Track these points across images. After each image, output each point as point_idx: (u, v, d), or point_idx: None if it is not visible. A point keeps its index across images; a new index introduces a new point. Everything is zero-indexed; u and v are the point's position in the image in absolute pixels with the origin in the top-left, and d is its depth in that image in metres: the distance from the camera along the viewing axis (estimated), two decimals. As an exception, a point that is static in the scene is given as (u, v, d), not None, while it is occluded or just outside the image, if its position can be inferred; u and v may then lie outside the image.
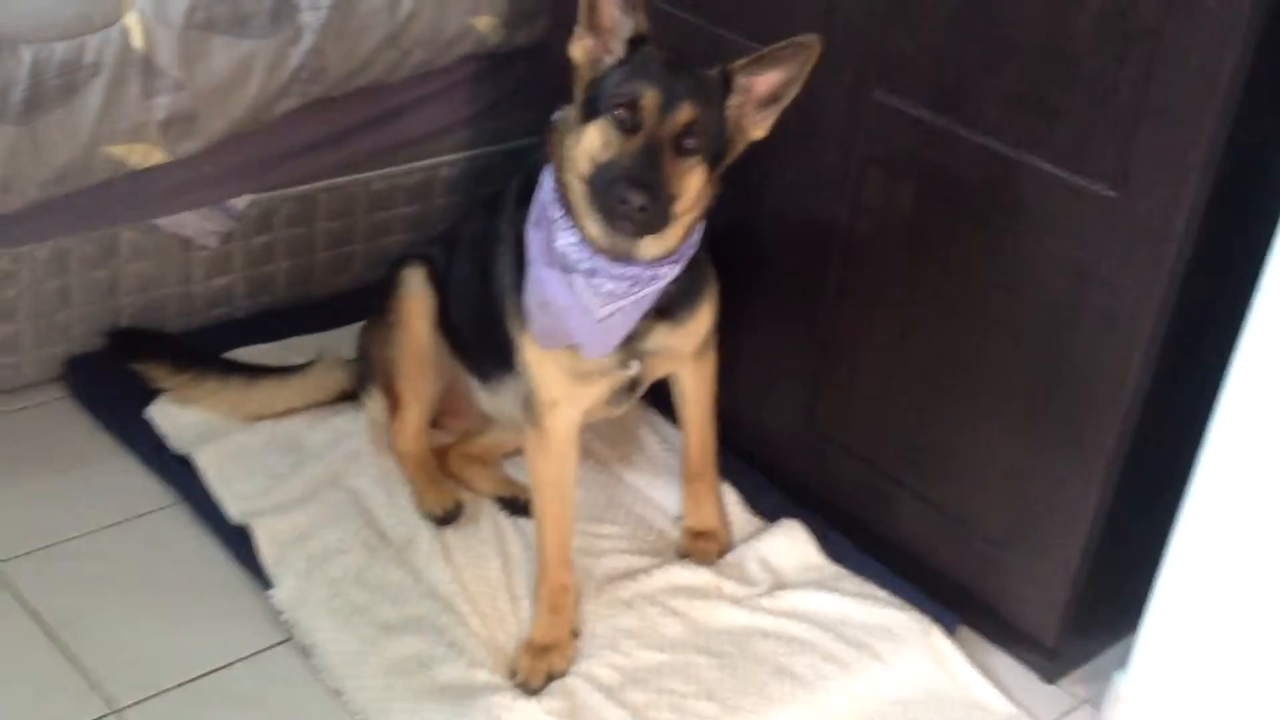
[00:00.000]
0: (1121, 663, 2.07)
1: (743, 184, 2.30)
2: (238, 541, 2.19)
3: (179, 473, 2.32)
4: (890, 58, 2.10)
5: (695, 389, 2.24)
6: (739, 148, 1.95)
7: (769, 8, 2.25)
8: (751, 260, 2.36)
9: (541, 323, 1.99)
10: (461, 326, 2.30)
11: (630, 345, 2.02)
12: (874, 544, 2.31)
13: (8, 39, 2.26)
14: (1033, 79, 1.94)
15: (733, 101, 1.90)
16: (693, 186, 1.87)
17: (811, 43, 1.87)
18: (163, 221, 2.56)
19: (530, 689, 1.99)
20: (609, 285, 1.91)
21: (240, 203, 2.65)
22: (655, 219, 1.83)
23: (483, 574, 2.18)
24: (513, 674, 2.01)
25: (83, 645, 2.01)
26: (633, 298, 1.94)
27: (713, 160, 1.89)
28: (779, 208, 2.31)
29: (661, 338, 2.05)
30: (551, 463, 2.08)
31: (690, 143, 1.85)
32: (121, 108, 2.39)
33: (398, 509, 2.28)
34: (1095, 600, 2.11)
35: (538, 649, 2.03)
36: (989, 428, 2.12)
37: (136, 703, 1.94)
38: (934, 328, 2.16)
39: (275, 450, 2.38)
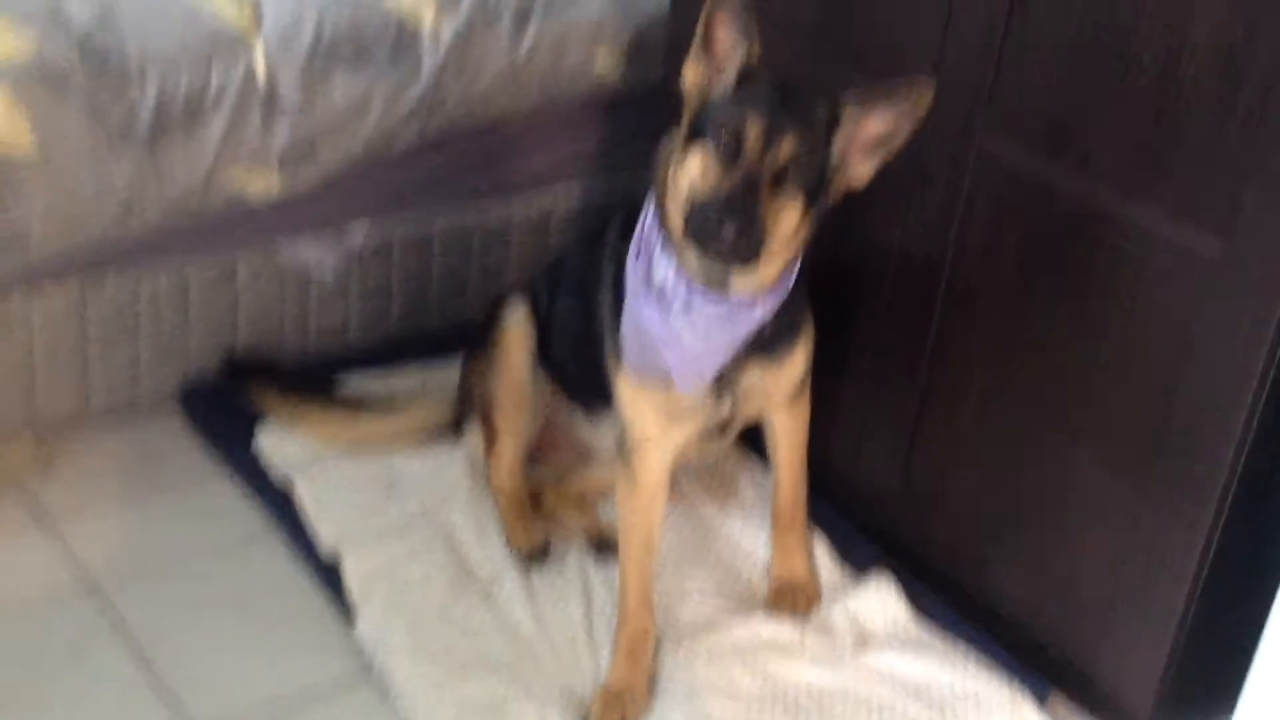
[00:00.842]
0: (1221, 743, 1.96)
1: (844, 224, 2.27)
2: (329, 573, 2.22)
3: (280, 501, 2.37)
4: (998, 100, 2.04)
5: (788, 434, 2.20)
6: (839, 189, 1.91)
7: (878, 49, 2.21)
8: (851, 303, 2.31)
9: (635, 353, 1.98)
10: (564, 359, 2.30)
11: (723, 383, 2.00)
12: (967, 603, 2.23)
13: (135, 67, 2.35)
14: (1141, 124, 1.86)
15: (839, 138, 1.87)
16: (788, 222, 1.84)
17: (925, 85, 1.83)
18: (281, 252, 2.62)
19: None
20: (703, 318, 1.90)
21: (357, 236, 2.69)
22: (748, 251, 1.81)
23: (564, 616, 2.17)
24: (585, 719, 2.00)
25: (168, 667, 2.06)
26: (725, 332, 1.92)
27: (811, 197, 1.86)
28: (881, 251, 2.26)
29: (756, 376, 2.02)
30: (640, 503, 2.07)
31: (790, 177, 1.83)
32: (242, 136, 2.45)
33: (487, 545, 2.29)
34: (1193, 675, 2.01)
35: (613, 696, 2.01)
36: (1090, 487, 2.04)
37: (218, 726, 1.98)
38: (1035, 382, 2.08)
39: (372, 481, 2.41)
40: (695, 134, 1.86)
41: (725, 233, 1.77)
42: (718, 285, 1.88)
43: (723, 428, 2.11)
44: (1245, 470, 1.86)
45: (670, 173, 1.88)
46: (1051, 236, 2.02)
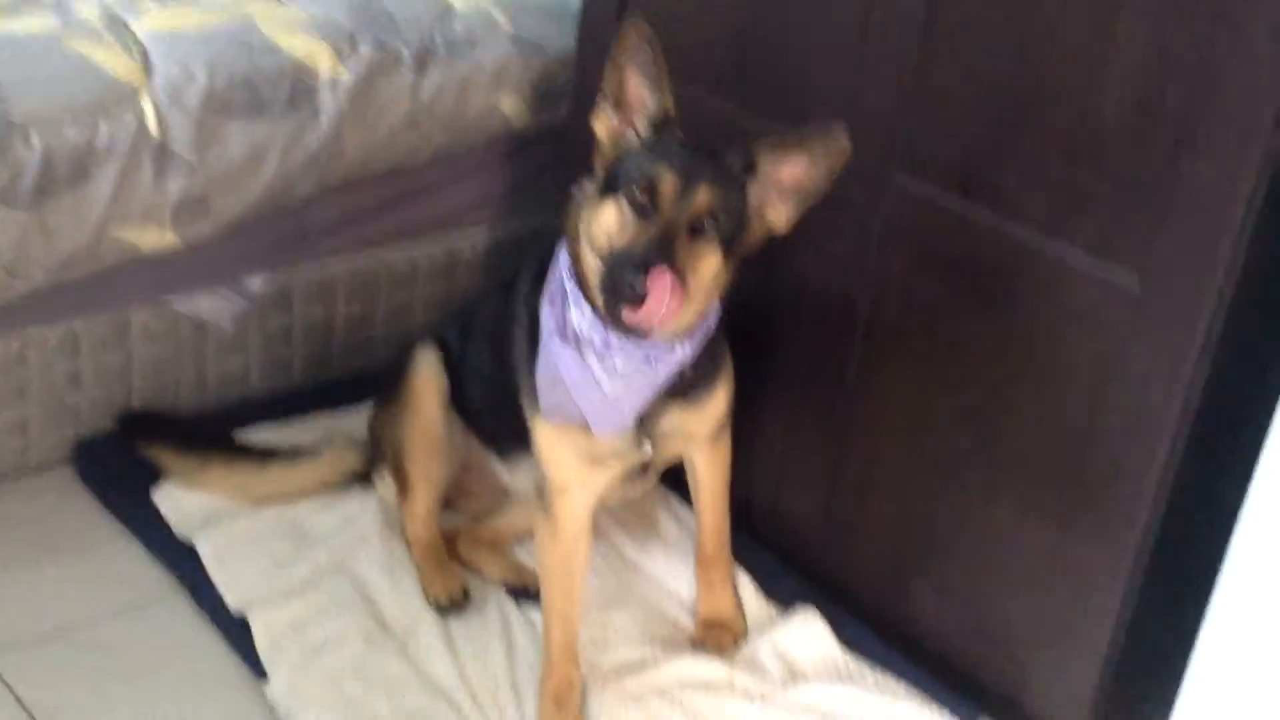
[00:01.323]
0: (1155, 761, 1.96)
1: (761, 264, 2.24)
2: (237, 632, 2.14)
3: (182, 560, 2.28)
4: (912, 140, 2.05)
5: (709, 474, 2.18)
6: (758, 235, 1.89)
7: (791, 92, 2.21)
8: (769, 342, 2.30)
9: (552, 399, 1.94)
10: (478, 405, 2.26)
11: (644, 426, 1.97)
12: (894, 634, 2.21)
13: (19, 125, 2.26)
14: (1057, 164, 1.88)
15: (755, 186, 1.86)
16: (707, 271, 1.82)
17: (838, 132, 1.82)
18: (176, 304, 2.54)
19: None
20: (620, 362, 1.86)
21: (255, 284, 2.62)
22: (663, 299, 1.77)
23: (485, 666, 2.11)
24: (510, 772, 1.94)
25: (72, 739, 1.96)
26: (644, 376, 1.89)
27: (729, 244, 1.84)
28: (797, 290, 2.25)
29: (675, 419, 1.99)
30: (561, 550, 2.02)
31: (706, 227, 1.80)
32: (133, 192, 2.38)
33: (401, 596, 2.22)
34: (1123, 699, 2.01)
35: None
36: (1013, 519, 2.04)
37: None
38: (956, 416, 2.08)
39: (280, 536, 2.33)
40: (609, 186, 1.83)
41: (639, 290, 1.74)
42: (636, 332, 1.86)
43: (643, 469, 2.08)
44: (1170, 501, 1.87)
45: (584, 223, 1.85)
46: (969, 274, 2.02)
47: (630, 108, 1.87)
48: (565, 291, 1.89)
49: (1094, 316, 1.88)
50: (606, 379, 1.87)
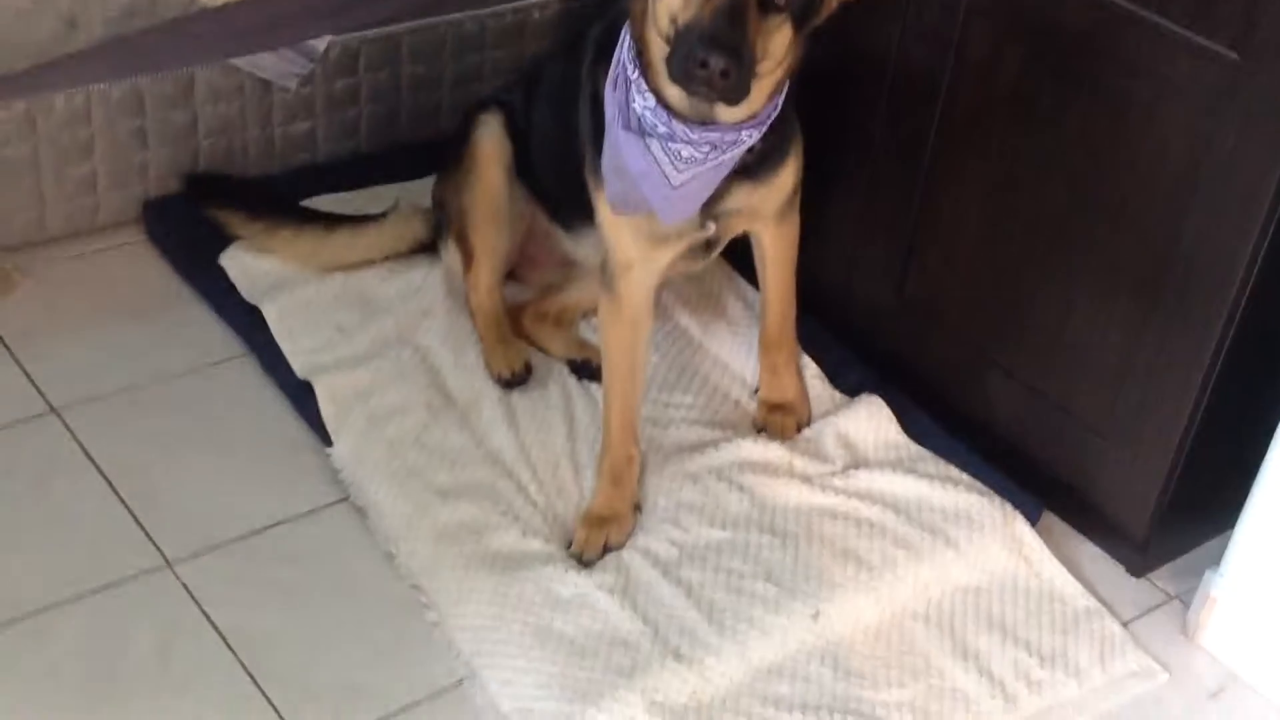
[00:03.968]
0: (1215, 561, 1.93)
1: (839, 33, 2.14)
2: (302, 397, 2.15)
3: (249, 323, 2.28)
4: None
5: (776, 252, 2.12)
6: (831, 5, 1.78)
7: None
8: (844, 118, 2.20)
9: (617, 188, 1.88)
10: (543, 174, 2.20)
11: (709, 205, 1.90)
12: (961, 425, 2.18)
13: None
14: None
15: None
16: (778, 48, 1.72)
17: None
18: (240, 62, 2.48)
19: (585, 561, 1.93)
20: (687, 151, 1.79)
21: (320, 44, 2.55)
22: (737, 84, 1.68)
23: (546, 441, 2.11)
24: (568, 545, 1.95)
25: (141, 496, 2.00)
26: (712, 163, 1.81)
27: (801, 18, 1.73)
28: (876, 61, 2.14)
29: (742, 197, 1.93)
30: (624, 327, 1.99)
31: (777, 1, 1.69)
32: (193, -62, 2.30)
33: (465, 369, 2.21)
34: (1191, 495, 1.98)
35: (596, 520, 1.97)
36: (1091, 307, 1.97)
37: (191, 557, 1.93)
38: (1039, 199, 1.99)
39: (345, 303, 2.32)
40: None
41: (711, 68, 1.64)
42: (702, 117, 1.77)
43: (708, 246, 2.02)
44: (1250, 296, 1.80)
45: (648, 1, 1.74)
46: (1058, 45, 1.91)
47: None
48: (627, 78, 1.80)
49: (1186, 96, 1.77)
50: (673, 169, 1.80)
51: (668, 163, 1.80)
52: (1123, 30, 1.82)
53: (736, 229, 2.03)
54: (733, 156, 1.83)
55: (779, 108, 1.85)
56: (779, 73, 1.78)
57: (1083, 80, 1.89)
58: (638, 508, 2.01)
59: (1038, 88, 1.95)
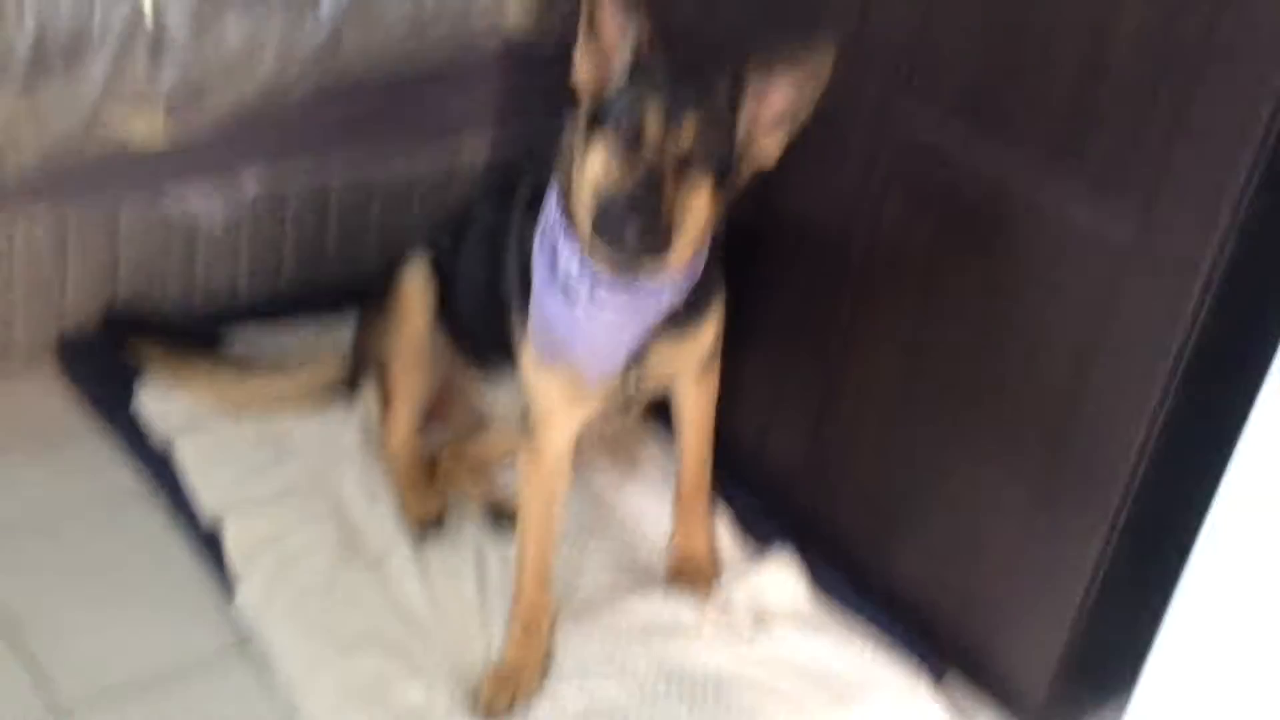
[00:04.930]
0: (1114, 728, 1.96)
1: (757, 194, 2.20)
2: (209, 539, 2.12)
3: (160, 461, 2.26)
4: (917, 65, 1.98)
5: (695, 406, 2.14)
6: (748, 169, 1.83)
7: (797, 9, 2.13)
8: (760, 278, 2.25)
9: (543, 341, 1.91)
10: (467, 317, 2.22)
11: (632, 361, 1.93)
12: (867, 583, 2.20)
13: (13, 4, 2.20)
14: (1065, 90, 1.82)
15: (743, 114, 1.79)
16: (698, 210, 1.77)
17: (826, 50, 1.75)
18: (167, 200, 2.49)
19: (493, 713, 1.90)
20: (611, 309, 1.82)
21: (249, 185, 2.57)
22: (655, 246, 1.74)
23: (457, 590, 2.10)
24: (474, 699, 1.93)
25: (35, 636, 1.95)
26: (634, 321, 1.85)
27: (720, 178, 1.79)
28: (793, 222, 2.20)
29: (665, 353, 1.96)
30: (543, 478, 2.00)
31: (695, 162, 1.75)
32: (126, 78, 2.32)
33: (377, 515, 2.20)
34: (1090, 659, 2.00)
35: (504, 673, 1.95)
36: (993, 476, 2.01)
37: (83, 705, 1.87)
38: (945, 369, 2.05)
39: (259, 444, 2.30)
40: (596, 121, 1.77)
41: (630, 231, 1.70)
42: (626, 275, 1.80)
43: (628, 404, 2.04)
44: (1149, 472, 1.84)
45: (574, 165, 1.79)
46: (967, 215, 1.97)
47: (609, 44, 1.79)
48: (554, 235, 1.84)
49: (1088, 265, 1.83)
50: (596, 328, 1.84)
51: (593, 323, 1.83)
52: (1026, 202, 1.88)
53: (659, 384, 2.06)
54: (657, 313, 1.86)
55: (701, 268, 1.89)
56: (698, 234, 1.82)
57: (987, 249, 1.95)
58: (547, 662, 1.99)
59: (946, 255, 2.01)
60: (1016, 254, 1.92)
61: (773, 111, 1.79)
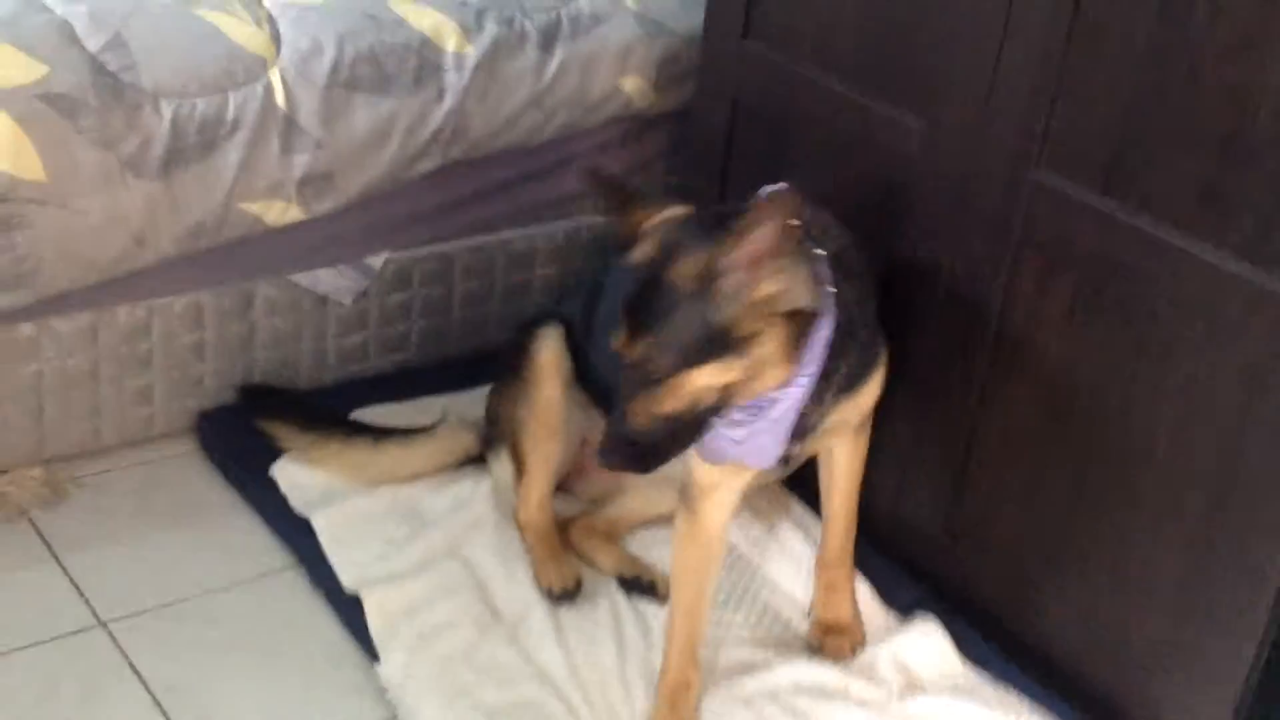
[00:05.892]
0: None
1: (892, 258, 2.19)
2: (351, 611, 2.13)
3: (299, 536, 2.28)
4: (1054, 136, 1.96)
5: (848, 464, 2.10)
6: (764, 315, 1.68)
7: (926, 82, 2.12)
8: (896, 341, 2.22)
9: (702, 449, 1.86)
10: (607, 377, 2.14)
11: (803, 430, 1.87)
12: (1016, 649, 2.14)
13: (149, 95, 2.27)
14: (1209, 165, 1.78)
15: (724, 285, 1.65)
16: (686, 397, 1.68)
17: (773, 203, 1.63)
18: (298, 278, 2.55)
19: None
20: (745, 428, 1.80)
21: (376, 261, 2.62)
22: (643, 462, 1.74)
23: (595, 659, 2.08)
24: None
25: (184, 713, 1.97)
26: (765, 426, 1.80)
27: (720, 353, 1.67)
28: (929, 286, 2.18)
29: (834, 415, 1.93)
30: (699, 548, 1.96)
31: (661, 368, 1.67)
32: (260, 165, 2.38)
33: (514, 583, 2.20)
34: (1269, 717, 1.91)
35: None
36: (1149, 538, 1.95)
37: (235, 778, 1.89)
38: (1091, 428, 2.00)
39: (394, 516, 2.32)
40: None
41: (610, 466, 1.77)
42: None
43: (786, 460, 2.01)
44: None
45: None
46: (1111, 280, 1.93)
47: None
48: None
49: (1243, 325, 1.79)
50: (734, 438, 1.82)
51: (734, 436, 1.81)
52: (1176, 265, 1.85)
53: (821, 445, 2.03)
54: (786, 411, 1.80)
55: (818, 359, 1.77)
56: (749, 382, 1.72)
57: (1135, 312, 1.91)
58: None
59: (1089, 318, 1.98)
60: (1164, 312, 1.88)
61: (755, 270, 1.65)
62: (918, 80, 2.14)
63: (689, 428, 1.73)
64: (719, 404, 1.72)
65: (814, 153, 2.35)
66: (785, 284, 1.67)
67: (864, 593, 2.23)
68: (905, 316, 2.21)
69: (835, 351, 1.79)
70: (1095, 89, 1.90)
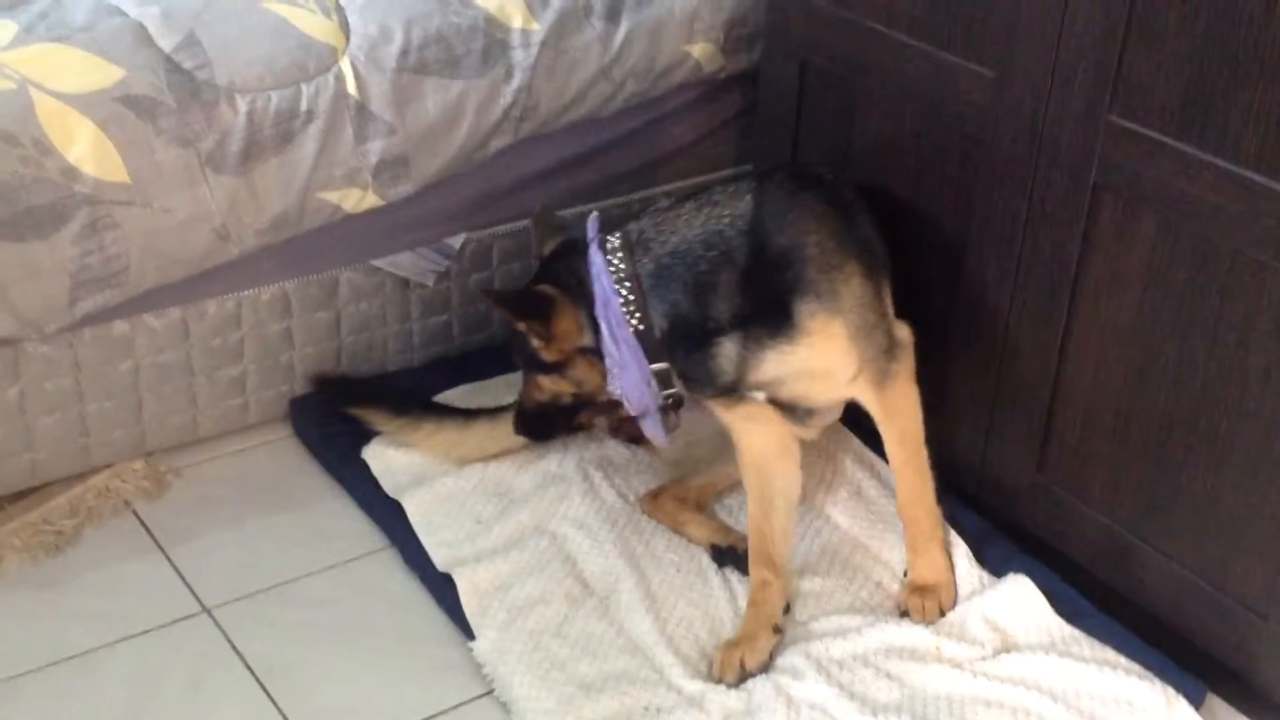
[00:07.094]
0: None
1: (965, 207, 2.16)
2: (444, 590, 2.17)
3: (391, 517, 2.33)
4: (1126, 78, 1.91)
5: (887, 421, 2.12)
6: (554, 354, 2.10)
7: (995, 30, 2.08)
8: (971, 291, 2.20)
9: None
10: None
11: (740, 380, 2.02)
12: (1113, 602, 2.11)
13: (225, 91, 2.31)
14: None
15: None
16: (549, 392, 2.17)
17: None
18: (380, 262, 2.58)
19: (725, 683, 1.97)
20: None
21: (456, 242, 2.65)
22: (531, 432, 2.30)
23: (688, 626, 2.09)
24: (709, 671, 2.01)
25: (288, 693, 2.02)
26: (633, 409, 2.12)
27: (545, 371, 2.13)
28: (1004, 237, 2.14)
29: (772, 365, 2.01)
30: (747, 470, 2.16)
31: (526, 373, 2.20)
32: (336, 154, 2.41)
33: (603, 556, 2.22)
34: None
35: (733, 643, 2.03)
36: (1243, 485, 1.91)
37: (338, 755, 1.94)
38: (1181, 370, 1.96)
39: (482, 495, 2.35)
40: None
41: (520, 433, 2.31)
42: None
43: (793, 412, 2.12)
44: None
45: None
46: (1192, 219, 1.89)
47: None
48: None
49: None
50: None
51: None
52: (1257, 202, 1.79)
53: (803, 397, 2.10)
54: (640, 406, 2.08)
55: (619, 372, 2.05)
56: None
57: (1219, 252, 1.87)
58: (778, 631, 2.04)
59: (1171, 259, 1.93)
60: (1251, 252, 1.82)
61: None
62: (987, 29, 2.10)
63: (564, 412, 2.20)
64: (581, 400, 2.15)
65: (884, 108, 2.32)
66: (545, 339, 2.07)
67: (956, 550, 2.20)
68: (983, 266, 2.18)
69: (670, 338, 2.02)
70: (1167, 27, 1.85)
